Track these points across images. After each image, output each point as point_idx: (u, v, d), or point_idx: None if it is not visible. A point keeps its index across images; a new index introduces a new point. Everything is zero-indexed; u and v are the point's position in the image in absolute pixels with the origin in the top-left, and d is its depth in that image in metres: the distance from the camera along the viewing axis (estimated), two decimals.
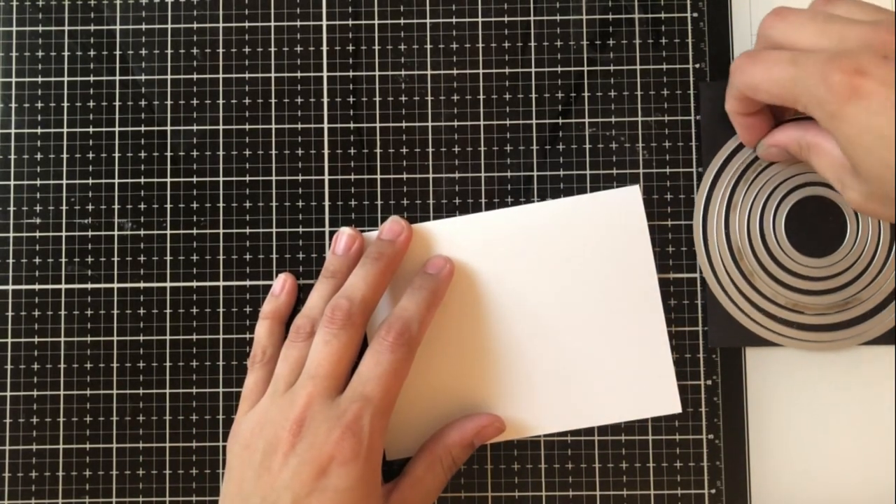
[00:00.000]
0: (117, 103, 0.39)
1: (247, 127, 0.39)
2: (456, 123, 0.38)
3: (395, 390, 0.33)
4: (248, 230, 0.38)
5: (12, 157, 0.39)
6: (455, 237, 0.38)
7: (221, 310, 0.38)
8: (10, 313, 0.38)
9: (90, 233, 0.38)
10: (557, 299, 0.37)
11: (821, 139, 0.31)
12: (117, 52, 0.39)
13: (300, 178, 0.38)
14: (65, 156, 0.39)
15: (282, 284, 0.37)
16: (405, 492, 0.34)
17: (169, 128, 0.39)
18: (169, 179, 0.39)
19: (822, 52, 0.29)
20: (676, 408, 0.37)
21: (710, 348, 0.37)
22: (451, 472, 0.35)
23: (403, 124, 0.39)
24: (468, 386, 0.37)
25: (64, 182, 0.39)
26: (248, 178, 0.39)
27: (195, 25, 0.39)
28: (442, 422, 0.37)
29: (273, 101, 0.39)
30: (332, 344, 0.33)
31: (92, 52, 0.39)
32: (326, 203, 0.38)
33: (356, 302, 0.34)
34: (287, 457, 0.31)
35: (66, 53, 0.39)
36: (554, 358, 0.37)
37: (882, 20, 0.29)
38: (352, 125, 0.39)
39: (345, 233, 0.37)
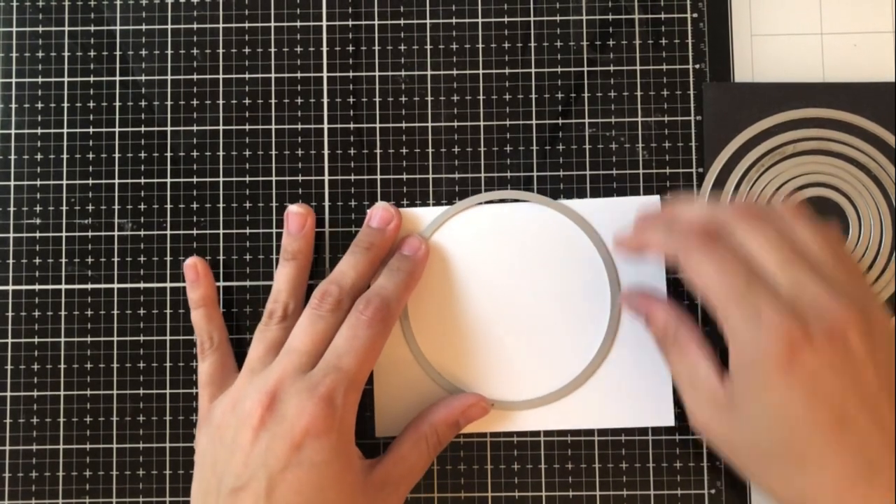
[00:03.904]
0: (117, 103, 0.39)
1: (247, 127, 0.39)
2: (456, 123, 0.38)
3: (369, 366, 0.33)
4: (248, 230, 0.38)
5: (12, 157, 0.39)
6: (471, 224, 0.38)
7: (221, 310, 0.38)
8: (10, 313, 0.38)
9: (90, 233, 0.38)
10: (561, 294, 0.37)
11: (693, 347, 0.32)
12: (117, 53, 0.39)
13: (300, 178, 0.38)
14: (65, 156, 0.39)
15: (195, 271, 0.37)
16: (388, 468, 0.34)
17: (169, 128, 0.39)
18: (169, 180, 0.39)
19: (778, 299, 0.28)
20: (669, 420, 0.37)
21: None
22: (436, 451, 0.35)
23: (403, 124, 0.38)
24: (460, 369, 0.37)
25: (64, 182, 0.39)
26: (248, 179, 0.39)
27: (195, 25, 0.39)
28: (431, 400, 0.37)
29: (273, 101, 0.39)
30: (317, 325, 0.33)
31: (92, 53, 0.39)
32: (326, 203, 0.38)
33: (345, 289, 0.34)
34: (258, 431, 0.31)
35: (66, 54, 0.39)
36: (552, 354, 0.37)
37: (846, 292, 0.28)
38: (352, 125, 0.39)
39: (293, 212, 0.37)
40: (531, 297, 0.37)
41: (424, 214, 0.38)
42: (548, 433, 0.37)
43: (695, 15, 0.39)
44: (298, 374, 0.32)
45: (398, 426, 0.36)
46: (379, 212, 0.37)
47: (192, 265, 0.37)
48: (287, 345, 0.34)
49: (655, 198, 0.37)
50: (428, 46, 0.39)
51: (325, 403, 0.31)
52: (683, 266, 0.30)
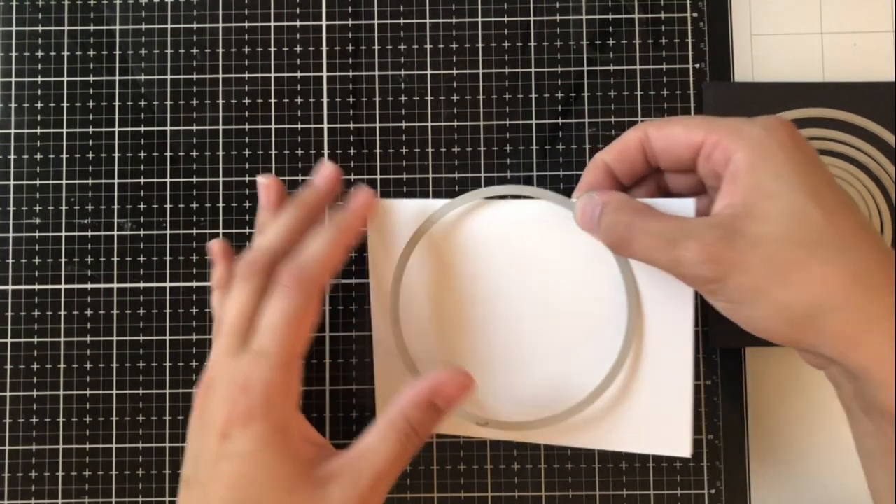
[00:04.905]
0: (117, 103, 0.39)
1: (247, 127, 0.39)
2: (456, 123, 0.38)
3: (297, 339, 0.30)
4: (247, 230, 0.38)
5: (12, 157, 0.39)
6: (474, 222, 0.34)
7: None
8: (9, 313, 0.38)
9: (90, 233, 0.38)
10: (572, 303, 0.34)
11: (662, 214, 0.30)
12: (117, 52, 0.39)
13: (300, 178, 0.38)
14: (65, 156, 0.39)
15: (216, 251, 0.34)
16: (349, 460, 0.29)
17: (169, 128, 0.39)
18: (169, 179, 0.39)
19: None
20: (685, 451, 0.33)
21: (710, 348, 0.37)
22: (412, 441, 0.30)
23: (403, 124, 0.38)
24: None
25: (64, 182, 0.39)
26: (247, 178, 0.39)
27: (195, 25, 0.39)
28: None
29: (273, 101, 0.39)
30: (241, 296, 0.31)
31: (92, 52, 0.39)
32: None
33: (267, 255, 0.32)
34: (198, 422, 0.30)
35: (65, 53, 0.39)
36: (559, 369, 0.34)
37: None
38: (352, 125, 0.39)
39: (263, 184, 0.35)
40: (538, 306, 0.34)
41: (421, 207, 0.34)
42: (538, 442, 0.37)
43: (695, 14, 0.39)
44: (228, 359, 0.30)
45: None
46: (322, 169, 0.34)
47: (216, 244, 0.34)
48: (219, 321, 0.32)
49: (690, 201, 0.31)
50: (428, 46, 0.39)
51: (242, 390, 0.29)
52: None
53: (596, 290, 0.33)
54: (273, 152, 0.38)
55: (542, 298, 0.34)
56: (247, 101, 0.39)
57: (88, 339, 0.38)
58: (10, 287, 0.38)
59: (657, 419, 0.33)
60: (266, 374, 0.29)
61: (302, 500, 0.28)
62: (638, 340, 0.33)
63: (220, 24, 0.39)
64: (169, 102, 0.39)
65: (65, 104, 0.39)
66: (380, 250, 0.35)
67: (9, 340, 0.38)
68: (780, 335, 0.27)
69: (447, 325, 0.35)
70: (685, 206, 0.31)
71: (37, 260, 0.38)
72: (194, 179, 0.39)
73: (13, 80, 0.39)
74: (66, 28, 0.39)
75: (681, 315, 0.33)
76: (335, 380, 0.38)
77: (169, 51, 0.39)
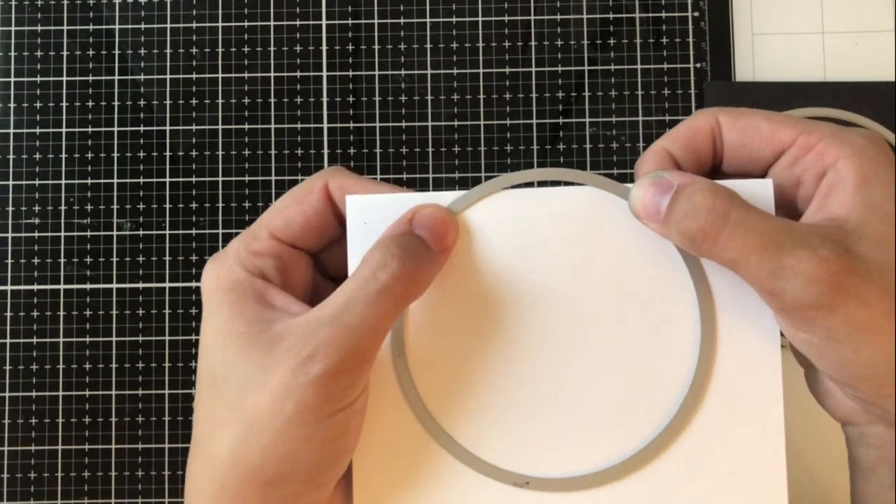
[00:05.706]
0: (116, 103, 0.39)
1: (246, 127, 0.39)
2: (456, 123, 0.38)
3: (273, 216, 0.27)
4: None
5: (11, 156, 0.39)
6: (499, 216, 0.25)
7: None
8: (9, 314, 0.38)
9: (89, 233, 0.38)
10: (628, 320, 0.25)
11: (761, 211, 0.23)
12: (116, 52, 0.39)
13: (300, 177, 0.38)
14: (64, 156, 0.39)
15: None
16: (313, 312, 0.23)
17: (168, 127, 0.39)
18: (168, 179, 0.39)
19: None
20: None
21: None
22: (396, 279, 0.23)
23: (403, 124, 0.38)
24: (478, 428, 0.25)
25: (63, 182, 0.39)
26: (247, 178, 0.38)
27: (194, 25, 0.39)
28: (434, 469, 0.25)
29: (273, 100, 0.39)
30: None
31: (91, 52, 0.39)
32: None
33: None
34: None
35: (65, 53, 0.39)
36: (615, 408, 0.25)
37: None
38: (352, 125, 0.39)
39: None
40: (584, 324, 0.25)
41: (420, 202, 0.25)
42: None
43: (696, 14, 0.38)
44: None
45: (385, 500, 0.25)
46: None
47: None
48: None
49: (768, 182, 0.25)
50: (428, 46, 0.39)
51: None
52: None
53: (659, 302, 0.26)
54: (273, 152, 0.38)
55: (590, 312, 0.25)
56: (246, 100, 0.39)
57: (87, 339, 0.38)
58: (9, 287, 0.38)
59: (742, 470, 0.26)
60: (235, 243, 0.27)
61: (244, 356, 0.24)
62: (712, 369, 0.26)
63: (220, 24, 0.39)
64: (168, 102, 0.39)
65: (64, 104, 0.39)
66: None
67: (8, 341, 0.38)
68: (871, 389, 0.22)
69: (464, 353, 0.26)
70: (762, 189, 0.24)
71: (36, 260, 0.38)
72: (194, 179, 0.39)
73: (12, 79, 0.39)
74: (65, 28, 0.39)
75: (765, 338, 0.26)
76: None
77: (168, 50, 0.39)
